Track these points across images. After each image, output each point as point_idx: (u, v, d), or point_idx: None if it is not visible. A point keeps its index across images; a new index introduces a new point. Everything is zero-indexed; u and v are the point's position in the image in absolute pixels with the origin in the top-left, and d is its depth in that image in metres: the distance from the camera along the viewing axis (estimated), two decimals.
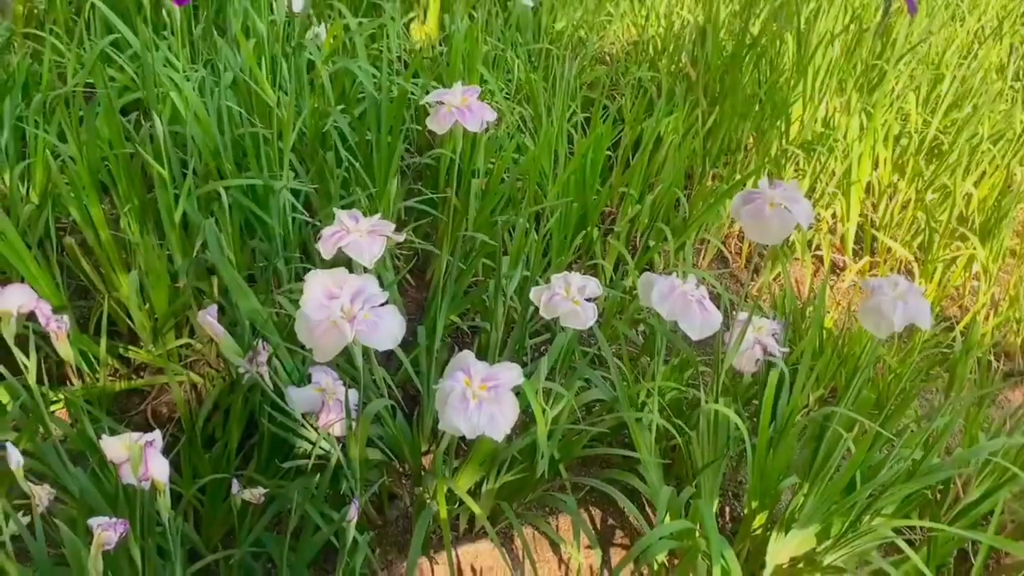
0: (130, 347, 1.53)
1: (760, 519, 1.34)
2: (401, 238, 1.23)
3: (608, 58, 2.87)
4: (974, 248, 1.99)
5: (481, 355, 1.66)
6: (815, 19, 2.43)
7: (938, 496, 1.40)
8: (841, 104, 2.26)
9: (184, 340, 1.54)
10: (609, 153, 2.16)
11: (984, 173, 2.22)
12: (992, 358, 1.81)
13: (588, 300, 1.27)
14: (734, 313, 1.39)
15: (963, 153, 2.20)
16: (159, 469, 0.91)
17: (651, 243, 1.96)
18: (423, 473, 1.40)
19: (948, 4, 3.02)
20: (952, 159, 2.21)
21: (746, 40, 2.27)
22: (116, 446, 0.93)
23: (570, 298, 1.27)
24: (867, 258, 2.16)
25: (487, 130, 1.95)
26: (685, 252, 1.93)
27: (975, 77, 2.50)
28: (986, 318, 1.94)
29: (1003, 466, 1.25)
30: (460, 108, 1.34)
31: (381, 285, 1.05)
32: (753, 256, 2.16)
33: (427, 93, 1.48)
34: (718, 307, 1.29)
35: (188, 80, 1.60)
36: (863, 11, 2.53)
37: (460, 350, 1.13)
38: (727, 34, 2.52)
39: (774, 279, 2.11)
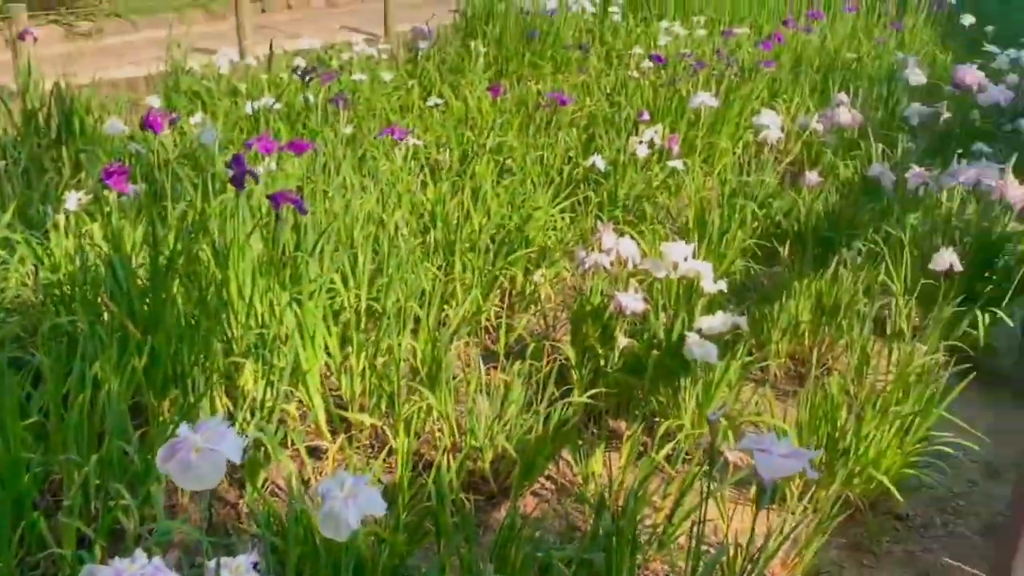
0: None
1: None
2: None
3: (25, 306, 2.57)
4: (428, 398, 2.20)
5: None
6: (226, 225, 2.51)
7: None
8: (269, 302, 2.34)
9: None
10: (40, 418, 1.90)
11: (418, 325, 2.49)
12: (465, 495, 1.98)
13: None
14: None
15: (393, 314, 2.45)
16: None
17: (112, 503, 1.74)
18: None
19: (357, 181, 3.35)
20: (387, 321, 2.44)
21: (160, 262, 2.23)
22: None
23: None
24: (343, 435, 2.24)
25: None
26: (154, 501, 1.76)
27: (385, 244, 2.80)
28: (451, 457, 2.12)
29: None
30: None
31: None
32: (236, 471, 2.07)
33: None
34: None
35: None
36: (265, 212, 2.68)
37: None
38: (145, 259, 2.45)
39: (264, 489, 2.04)
